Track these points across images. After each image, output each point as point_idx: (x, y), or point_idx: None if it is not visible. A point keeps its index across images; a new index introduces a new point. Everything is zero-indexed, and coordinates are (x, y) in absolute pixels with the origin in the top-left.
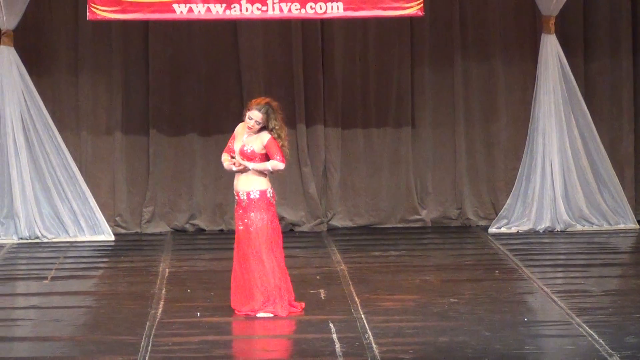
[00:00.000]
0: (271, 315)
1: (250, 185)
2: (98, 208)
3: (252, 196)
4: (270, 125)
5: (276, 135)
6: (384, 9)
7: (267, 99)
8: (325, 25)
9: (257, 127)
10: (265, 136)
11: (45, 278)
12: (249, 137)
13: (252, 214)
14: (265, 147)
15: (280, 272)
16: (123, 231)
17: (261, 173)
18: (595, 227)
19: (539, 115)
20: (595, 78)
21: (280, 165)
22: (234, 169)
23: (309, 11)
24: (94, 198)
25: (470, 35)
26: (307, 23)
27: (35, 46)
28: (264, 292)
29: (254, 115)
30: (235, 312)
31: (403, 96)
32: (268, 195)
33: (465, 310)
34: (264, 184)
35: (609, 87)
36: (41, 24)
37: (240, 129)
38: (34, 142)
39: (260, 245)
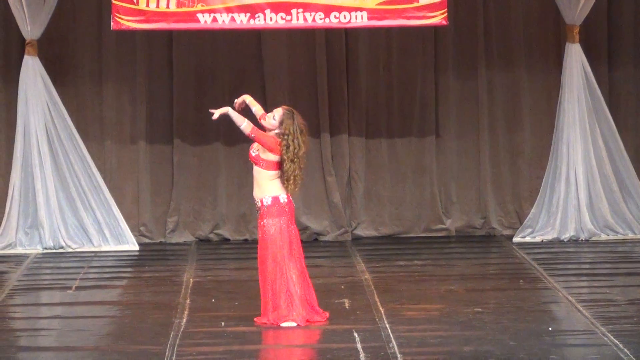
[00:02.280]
0: (295, 324)
1: (263, 191)
2: (122, 218)
3: (265, 203)
4: (282, 129)
5: (284, 143)
6: (408, 18)
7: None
8: (349, 34)
9: (273, 123)
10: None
11: (70, 288)
12: None
13: (265, 221)
14: None
15: (301, 280)
16: (147, 241)
17: (273, 180)
18: (619, 236)
19: (563, 124)
20: (619, 87)
21: (246, 126)
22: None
23: (333, 20)
24: (118, 208)
25: (494, 44)
26: (331, 32)
27: (59, 56)
28: (285, 300)
29: (276, 110)
30: (255, 322)
31: (427, 105)
32: (281, 201)
33: (490, 320)
34: (276, 190)
35: (633, 96)
36: (65, 34)
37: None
38: (59, 151)
39: (276, 252)
